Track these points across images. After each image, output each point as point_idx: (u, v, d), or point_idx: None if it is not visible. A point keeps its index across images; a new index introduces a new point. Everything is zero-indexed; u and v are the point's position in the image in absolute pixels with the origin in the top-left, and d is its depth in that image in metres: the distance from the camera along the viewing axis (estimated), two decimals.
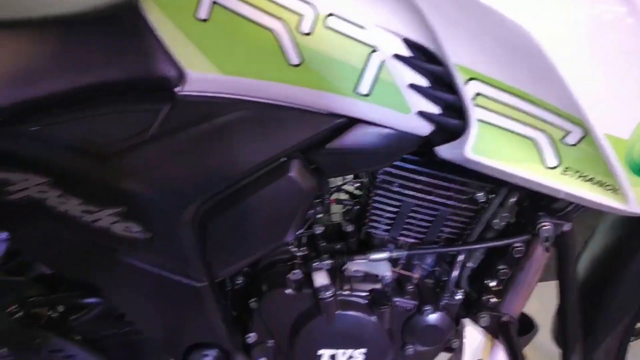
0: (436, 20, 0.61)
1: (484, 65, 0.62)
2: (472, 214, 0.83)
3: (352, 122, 0.70)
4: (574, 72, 0.60)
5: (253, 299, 0.85)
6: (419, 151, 0.74)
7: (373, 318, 0.83)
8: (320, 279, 0.81)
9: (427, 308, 0.86)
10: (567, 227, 0.84)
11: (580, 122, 0.64)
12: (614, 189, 0.69)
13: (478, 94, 0.63)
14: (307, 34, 0.64)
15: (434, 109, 0.67)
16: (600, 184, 0.69)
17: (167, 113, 0.70)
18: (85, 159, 0.70)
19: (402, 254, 0.85)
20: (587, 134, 0.65)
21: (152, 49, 0.69)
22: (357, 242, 0.88)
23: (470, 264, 0.88)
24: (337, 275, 0.84)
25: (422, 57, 0.64)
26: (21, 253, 0.86)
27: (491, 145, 0.67)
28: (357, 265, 0.85)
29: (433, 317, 0.87)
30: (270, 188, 0.72)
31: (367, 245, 0.88)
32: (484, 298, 0.88)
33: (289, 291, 0.83)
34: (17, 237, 0.77)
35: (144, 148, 0.71)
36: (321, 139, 0.71)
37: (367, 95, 0.66)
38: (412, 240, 0.85)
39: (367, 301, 0.84)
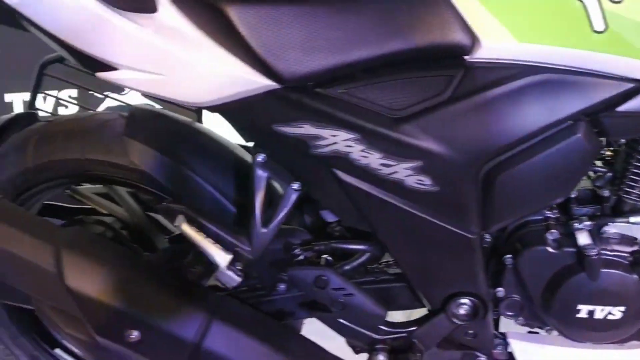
0: None
1: None
2: None
3: None
4: None
5: (508, 256, 0.91)
6: None
7: (635, 278, 0.86)
8: (584, 238, 0.86)
9: None
10: None
11: None
12: None
13: None
14: (617, 2, 0.68)
15: None
16: None
17: (460, 79, 0.78)
18: (385, 118, 0.80)
19: None
20: None
21: (449, 18, 0.76)
22: (610, 206, 0.91)
23: None
24: (596, 236, 0.88)
25: None
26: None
27: None
28: (615, 228, 0.88)
29: None
30: (557, 148, 0.78)
31: (618, 210, 0.91)
32: None
33: (550, 249, 0.88)
34: (312, 188, 0.89)
35: (438, 110, 0.79)
36: (611, 102, 0.75)
37: None
38: None
39: (628, 262, 0.87)
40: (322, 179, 0.85)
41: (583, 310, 0.89)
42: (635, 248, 0.88)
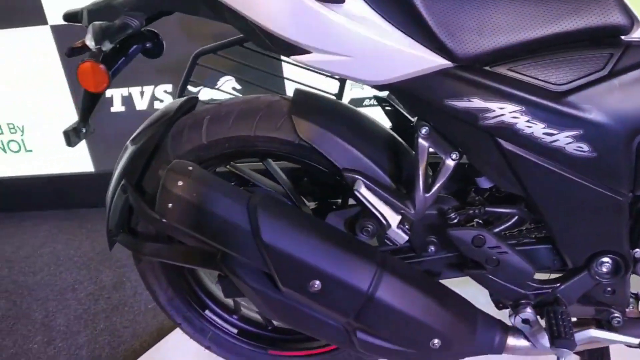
0: None
1: None
2: None
3: None
4: None
5: None
6: None
7: None
8: None
9: None
10: None
11: None
12: None
13: None
14: None
15: None
16: None
17: (619, 56, 0.89)
18: (549, 92, 0.90)
19: None
20: None
21: (611, 1, 0.87)
22: None
23: None
24: None
25: None
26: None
27: None
28: None
29: None
30: None
31: None
32: None
33: None
34: (473, 156, 1.01)
35: (599, 84, 0.89)
36: None
37: None
38: None
39: None
40: (485, 148, 0.96)
41: None
42: None
